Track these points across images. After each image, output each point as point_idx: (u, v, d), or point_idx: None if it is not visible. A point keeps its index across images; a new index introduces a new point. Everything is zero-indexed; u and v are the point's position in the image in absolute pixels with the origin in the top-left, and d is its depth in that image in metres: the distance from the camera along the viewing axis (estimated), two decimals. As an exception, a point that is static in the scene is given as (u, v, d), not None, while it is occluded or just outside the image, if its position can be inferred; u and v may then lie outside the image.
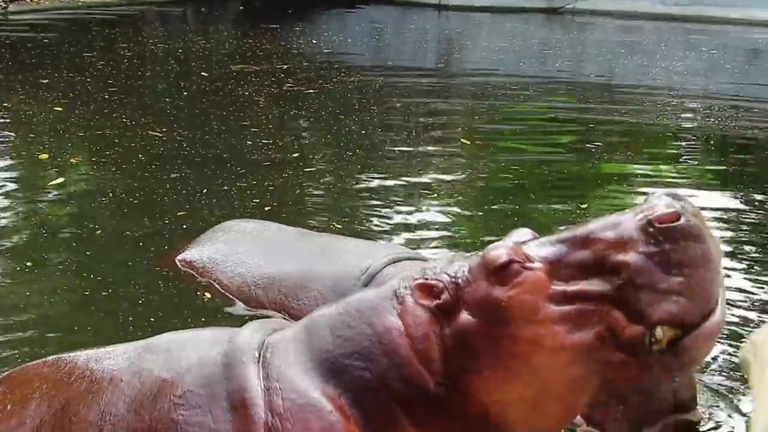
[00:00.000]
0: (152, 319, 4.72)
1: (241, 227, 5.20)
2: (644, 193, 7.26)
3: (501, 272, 2.62)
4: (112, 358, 3.27)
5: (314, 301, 4.33)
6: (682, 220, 2.50)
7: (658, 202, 2.57)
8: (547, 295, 2.60)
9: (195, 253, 5.14)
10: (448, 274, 2.77)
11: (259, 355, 3.01)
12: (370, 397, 2.78)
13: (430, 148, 8.80)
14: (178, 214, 6.36)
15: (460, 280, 2.73)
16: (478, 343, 2.67)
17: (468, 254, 2.87)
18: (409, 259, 4.38)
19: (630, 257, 2.52)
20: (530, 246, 2.69)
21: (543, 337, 2.58)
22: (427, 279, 2.80)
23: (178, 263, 5.20)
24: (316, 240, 4.90)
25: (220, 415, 2.92)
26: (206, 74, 12.22)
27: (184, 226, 6.03)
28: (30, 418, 3.20)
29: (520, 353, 2.62)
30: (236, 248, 4.93)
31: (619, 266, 2.53)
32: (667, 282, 2.49)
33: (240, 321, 4.49)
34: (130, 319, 4.76)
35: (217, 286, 4.88)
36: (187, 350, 3.15)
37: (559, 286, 2.60)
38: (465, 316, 2.69)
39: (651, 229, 2.50)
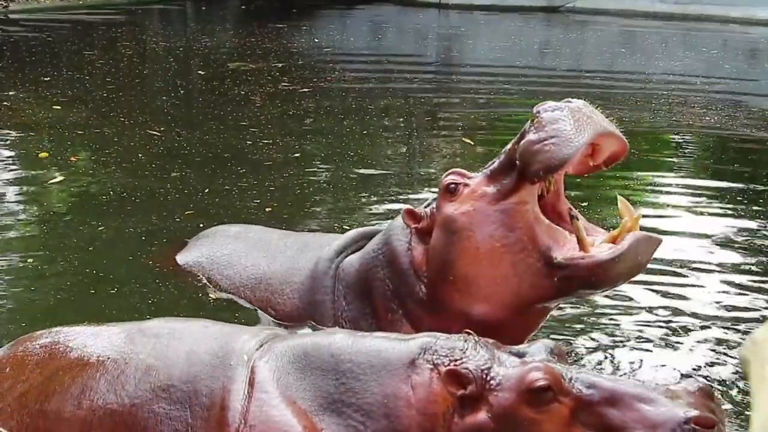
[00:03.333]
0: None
1: (226, 231, 5.33)
2: (643, 194, 7.33)
3: (536, 394, 2.74)
4: (107, 335, 3.36)
5: (297, 293, 4.49)
6: (715, 430, 2.67)
7: (699, 397, 2.71)
8: None
9: (182, 258, 5.25)
10: (480, 368, 2.85)
11: (249, 359, 3.06)
12: None
13: (430, 147, 8.81)
14: (186, 213, 6.36)
15: (492, 381, 2.82)
16: None
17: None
18: (377, 232, 4.46)
19: None
20: (567, 375, 2.79)
21: None
22: (457, 364, 2.86)
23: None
24: (298, 238, 5.02)
25: (198, 412, 3.00)
26: (203, 72, 12.22)
27: (189, 227, 6.01)
28: (22, 383, 3.33)
29: None
30: (222, 251, 5.06)
31: None
32: None
33: (236, 319, 4.53)
34: (133, 318, 4.76)
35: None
36: (176, 340, 3.21)
37: (577, 429, 2.74)
38: (484, 416, 2.79)
39: (686, 426, 2.65)
